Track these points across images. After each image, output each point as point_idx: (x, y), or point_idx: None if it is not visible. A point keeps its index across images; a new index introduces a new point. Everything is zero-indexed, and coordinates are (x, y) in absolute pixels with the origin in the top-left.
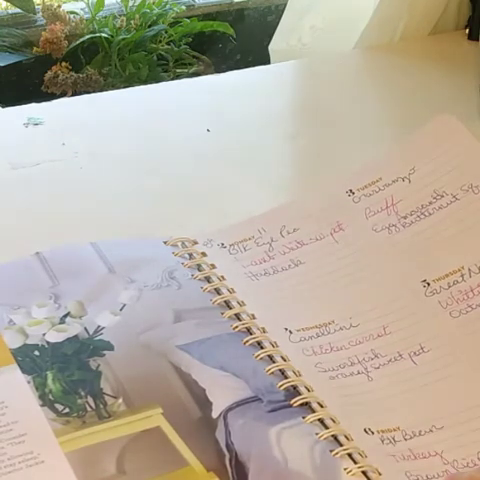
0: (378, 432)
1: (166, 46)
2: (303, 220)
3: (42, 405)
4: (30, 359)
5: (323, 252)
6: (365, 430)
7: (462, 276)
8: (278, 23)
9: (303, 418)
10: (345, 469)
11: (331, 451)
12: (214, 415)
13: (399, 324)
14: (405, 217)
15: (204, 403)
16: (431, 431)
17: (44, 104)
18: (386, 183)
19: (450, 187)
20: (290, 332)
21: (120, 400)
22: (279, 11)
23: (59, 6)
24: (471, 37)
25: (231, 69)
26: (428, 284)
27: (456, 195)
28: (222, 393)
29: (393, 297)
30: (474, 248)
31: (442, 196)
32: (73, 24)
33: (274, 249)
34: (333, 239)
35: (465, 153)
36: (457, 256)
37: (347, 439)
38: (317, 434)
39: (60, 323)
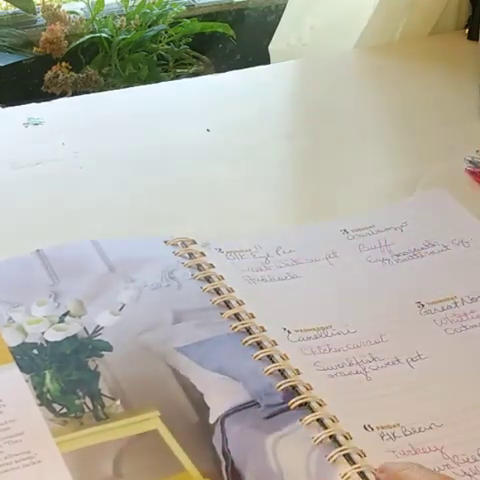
0: (378, 428)
1: (166, 46)
2: (298, 245)
3: (40, 404)
4: (29, 358)
5: (319, 271)
6: (365, 427)
7: (455, 303)
8: (278, 23)
9: (300, 421)
10: (340, 474)
11: (327, 456)
12: (211, 420)
13: (395, 334)
14: (398, 255)
15: (202, 408)
16: (431, 428)
17: (44, 104)
18: (379, 229)
19: (441, 239)
20: (288, 332)
21: (118, 402)
22: (279, 11)
23: (59, 6)
24: (471, 37)
25: (231, 69)
26: (422, 305)
27: (447, 246)
28: (219, 398)
29: (388, 311)
30: (466, 282)
31: (433, 245)
32: (73, 24)
33: (270, 262)
34: (328, 263)
35: (458, 223)
36: (450, 287)
37: (346, 438)
38: (314, 437)
39: (59, 322)
